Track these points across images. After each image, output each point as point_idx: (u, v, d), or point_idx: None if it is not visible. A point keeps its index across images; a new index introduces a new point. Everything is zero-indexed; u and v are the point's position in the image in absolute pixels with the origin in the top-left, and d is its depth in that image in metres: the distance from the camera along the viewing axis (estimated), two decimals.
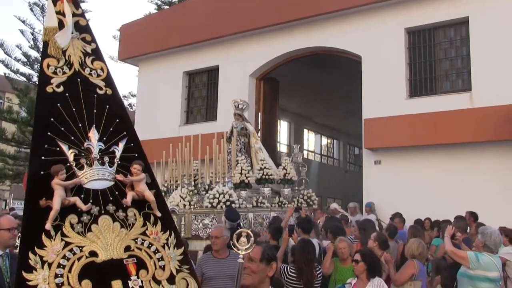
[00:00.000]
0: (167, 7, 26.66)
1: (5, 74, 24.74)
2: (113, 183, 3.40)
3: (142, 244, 3.25)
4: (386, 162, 12.85)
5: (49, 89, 3.44)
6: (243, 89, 15.41)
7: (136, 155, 3.55)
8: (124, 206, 3.35)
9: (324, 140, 27.44)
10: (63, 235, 3.05)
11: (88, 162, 3.36)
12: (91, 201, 3.25)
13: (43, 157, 3.24)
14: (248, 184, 10.13)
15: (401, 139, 12.37)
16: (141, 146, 3.63)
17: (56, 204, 3.06)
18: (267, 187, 10.60)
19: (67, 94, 3.48)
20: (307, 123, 25.19)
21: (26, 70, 25.20)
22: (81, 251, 3.03)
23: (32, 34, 24.81)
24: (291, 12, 14.40)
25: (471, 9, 12.00)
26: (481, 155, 11.41)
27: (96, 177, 3.36)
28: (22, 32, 24.62)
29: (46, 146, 3.27)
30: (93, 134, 3.46)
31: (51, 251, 2.96)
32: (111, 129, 3.55)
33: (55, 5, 3.71)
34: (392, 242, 7.86)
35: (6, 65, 24.07)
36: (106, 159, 3.44)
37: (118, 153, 3.51)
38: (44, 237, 2.99)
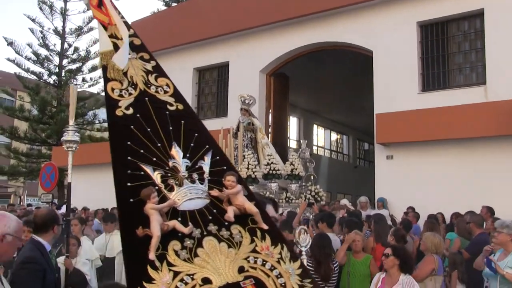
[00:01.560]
0: (174, 4, 26.67)
1: (15, 73, 24.91)
2: (208, 200, 3.12)
3: (255, 262, 2.92)
4: (398, 157, 12.76)
5: (118, 112, 3.28)
6: (253, 85, 15.36)
7: (225, 167, 3.29)
8: (226, 223, 3.05)
9: (334, 136, 27.36)
10: (169, 264, 2.78)
11: (177, 182, 3.11)
12: (190, 223, 2.97)
13: (128, 184, 2.99)
14: (255, 179, 10.09)
15: (414, 134, 12.27)
16: (227, 158, 3.41)
17: (155, 230, 2.78)
18: (274, 182, 10.52)
19: (138, 115, 3.31)
20: (317, 118, 25.13)
21: (37, 68, 25.38)
22: (192, 279, 2.75)
23: (42, 32, 24.95)
24: (301, 7, 14.33)
25: (486, 1, 11.86)
26: (495, 150, 11.28)
27: (189, 196, 3.10)
28: (32, 30, 24.77)
29: (129, 171, 3.05)
30: (176, 152, 3.24)
31: (161, 284, 2.70)
32: (192, 144, 3.34)
33: (106, 29, 3.61)
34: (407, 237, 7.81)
35: (17, 64, 24.23)
36: (195, 176, 3.18)
37: (206, 168, 3.26)
38: (150, 270, 2.73)
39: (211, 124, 13.75)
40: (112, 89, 3.38)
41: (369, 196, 13.18)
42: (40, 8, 24.95)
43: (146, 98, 3.42)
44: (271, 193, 10.25)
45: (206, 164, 3.27)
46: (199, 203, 3.08)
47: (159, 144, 3.20)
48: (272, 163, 10.56)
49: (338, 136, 27.80)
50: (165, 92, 3.54)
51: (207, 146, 3.37)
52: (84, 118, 25.89)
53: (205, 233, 2.97)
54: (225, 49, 16.31)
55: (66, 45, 25.59)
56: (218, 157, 3.35)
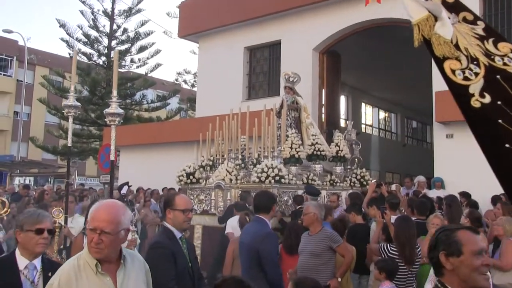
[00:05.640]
0: None
1: (69, 54, 25.45)
2: None
3: None
4: (459, 136, 12.38)
5: (474, 103, 2.48)
6: (306, 63, 15.14)
7: None
8: None
9: (382, 114, 26.90)
10: None
11: None
12: None
13: None
14: (298, 159, 9.66)
15: None
16: None
17: None
18: (318, 164, 10.12)
19: (498, 102, 2.47)
20: (364, 96, 24.66)
21: (87, 49, 25.83)
22: None
23: (92, 14, 25.31)
24: None
25: None
26: None
27: None
28: (82, 12, 25.17)
29: None
30: None
31: None
32: None
33: None
34: None
35: (69, 46, 24.74)
36: None
37: None
38: None
39: (263, 104, 13.71)
40: (453, 71, 2.55)
41: (417, 175, 12.81)
42: None
43: (498, 76, 2.54)
44: (315, 175, 9.88)
45: None
46: None
47: None
48: (316, 143, 10.08)
49: (386, 114, 27.31)
50: None
51: None
52: (132, 99, 26.27)
53: None
54: (278, 27, 16.10)
55: (115, 27, 25.95)
56: None
